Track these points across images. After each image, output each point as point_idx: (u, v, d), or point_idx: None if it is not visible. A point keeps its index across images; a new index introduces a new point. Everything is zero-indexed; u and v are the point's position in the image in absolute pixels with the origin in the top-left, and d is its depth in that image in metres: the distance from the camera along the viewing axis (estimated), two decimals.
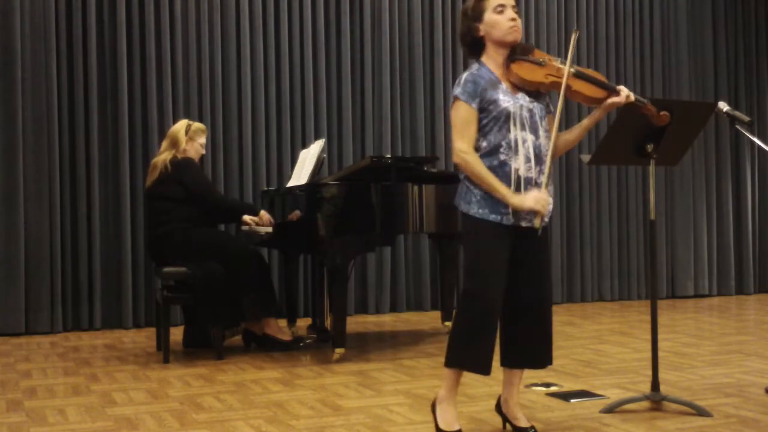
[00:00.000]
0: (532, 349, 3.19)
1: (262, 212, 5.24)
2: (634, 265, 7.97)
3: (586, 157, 3.89)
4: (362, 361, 4.88)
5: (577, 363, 4.74)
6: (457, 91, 3.08)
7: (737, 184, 8.38)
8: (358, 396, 3.99)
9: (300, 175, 5.48)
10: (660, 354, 3.99)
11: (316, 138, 6.53)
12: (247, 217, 5.32)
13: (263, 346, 5.24)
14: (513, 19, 3.08)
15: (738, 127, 3.98)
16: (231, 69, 6.63)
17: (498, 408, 3.31)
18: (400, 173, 4.90)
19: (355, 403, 3.84)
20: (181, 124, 5.26)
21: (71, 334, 6.05)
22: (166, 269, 4.97)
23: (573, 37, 3.23)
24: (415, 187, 4.87)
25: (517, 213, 3.05)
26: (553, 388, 4.07)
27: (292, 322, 5.90)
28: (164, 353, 4.84)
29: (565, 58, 3.12)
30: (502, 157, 3.04)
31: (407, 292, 7.15)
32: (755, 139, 4.18)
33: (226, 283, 4.95)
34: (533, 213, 3.03)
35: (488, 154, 3.05)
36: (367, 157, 5.43)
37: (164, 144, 5.27)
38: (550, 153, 3.08)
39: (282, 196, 5.48)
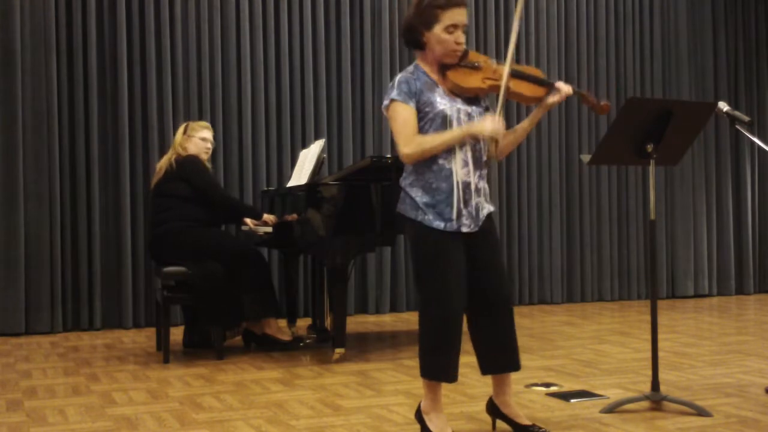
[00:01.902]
0: (504, 351, 3.16)
1: (266, 216, 5.25)
2: (634, 265, 7.97)
3: (586, 157, 3.88)
4: (362, 361, 4.88)
5: (577, 363, 4.74)
6: (393, 93, 3.02)
7: (737, 184, 8.38)
8: (358, 396, 3.99)
9: (300, 175, 5.48)
10: (660, 354, 3.99)
11: (316, 138, 6.53)
12: (249, 221, 5.35)
13: (263, 346, 5.24)
14: (459, 43, 3.03)
15: (738, 127, 3.98)
16: (231, 69, 6.64)
17: (490, 409, 3.30)
18: (399, 173, 4.89)
19: (355, 403, 3.84)
20: (180, 128, 5.33)
21: (71, 334, 6.05)
22: (166, 269, 4.97)
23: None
24: None
25: (459, 219, 3.02)
26: (553, 388, 4.06)
27: (292, 322, 5.90)
28: (164, 353, 4.84)
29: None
30: (441, 161, 3.02)
31: (407, 292, 7.15)
32: (755, 139, 4.18)
33: (226, 283, 4.95)
34: (472, 217, 3.01)
35: (426, 157, 3.02)
36: (367, 157, 5.43)
37: (170, 150, 5.34)
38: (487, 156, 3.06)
39: (282, 196, 5.48)
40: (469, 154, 3.05)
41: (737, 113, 3.97)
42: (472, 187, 3.06)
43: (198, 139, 5.26)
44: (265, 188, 6.46)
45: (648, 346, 4.68)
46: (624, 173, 7.96)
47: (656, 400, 3.63)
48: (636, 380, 4.25)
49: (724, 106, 3.99)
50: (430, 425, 3.09)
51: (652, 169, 3.68)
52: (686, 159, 7.91)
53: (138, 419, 3.57)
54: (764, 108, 8.47)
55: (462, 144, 3.03)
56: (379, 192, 4.82)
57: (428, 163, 3.03)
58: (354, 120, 7.03)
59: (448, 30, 3.01)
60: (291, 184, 5.61)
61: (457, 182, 3.03)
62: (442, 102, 3.03)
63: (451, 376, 3.06)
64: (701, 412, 3.52)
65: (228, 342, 5.17)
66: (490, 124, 2.98)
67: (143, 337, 5.86)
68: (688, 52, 8.17)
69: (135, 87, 6.37)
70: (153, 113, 6.37)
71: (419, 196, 3.05)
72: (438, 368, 3.04)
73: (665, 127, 3.59)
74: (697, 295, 8.16)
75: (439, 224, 3.03)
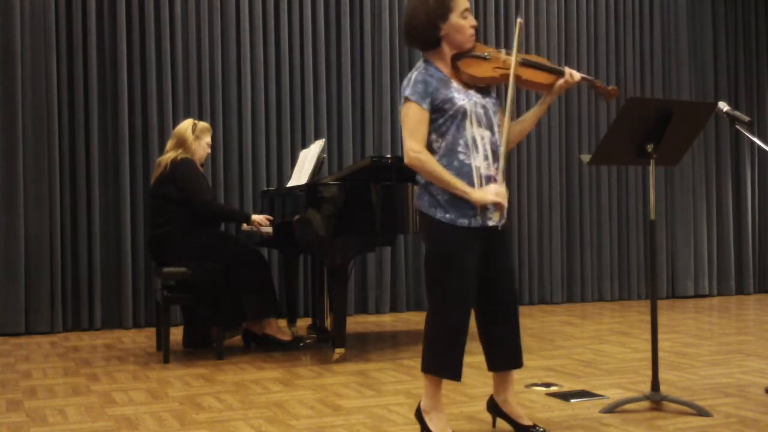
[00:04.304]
0: (511, 349, 3.19)
1: (254, 216, 5.22)
2: (634, 265, 7.97)
3: (586, 157, 3.88)
4: (362, 361, 4.88)
5: (577, 363, 4.74)
6: (408, 92, 3.04)
7: (737, 184, 8.38)
8: (358, 396, 3.99)
9: (300, 175, 5.48)
10: (660, 354, 3.99)
11: (316, 138, 6.53)
12: (245, 226, 5.35)
13: (263, 346, 5.24)
14: (474, 26, 3.08)
15: (738, 127, 3.98)
16: (231, 69, 6.63)
17: (492, 408, 3.31)
18: (400, 173, 4.90)
19: (355, 403, 3.84)
20: (186, 123, 5.25)
21: (71, 334, 6.04)
22: (166, 269, 4.97)
23: (517, 27, 3.20)
24: (415, 187, 4.86)
25: (484, 213, 3.03)
26: (553, 388, 4.07)
27: (292, 322, 5.90)
28: (164, 353, 4.84)
29: (511, 48, 3.13)
30: (461, 156, 3.02)
31: (407, 292, 7.15)
32: (755, 139, 4.18)
33: (226, 283, 4.95)
34: (494, 208, 3.03)
35: (446, 154, 3.03)
36: (367, 157, 5.43)
37: (170, 143, 5.24)
38: (503, 147, 3.07)
39: (282, 196, 5.48)
40: (489, 147, 3.06)
41: (737, 113, 3.97)
42: (492, 180, 3.05)
43: (205, 143, 5.27)
44: (265, 188, 6.46)
45: (648, 346, 4.68)
46: (624, 173, 7.96)
47: (656, 400, 3.63)
48: (636, 380, 4.25)
49: (724, 106, 3.99)
50: (431, 424, 3.09)
51: (652, 169, 3.68)
52: (686, 159, 7.91)
53: (138, 419, 3.57)
54: (764, 108, 8.47)
55: (482, 137, 3.04)
56: (379, 192, 4.82)
57: (449, 159, 3.03)
58: (354, 120, 7.03)
59: (463, 15, 3.06)
60: (291, 184, 5.61)
61: (480, 176, 3.03)
62: (459, 97, 3.03)
63: (458, 373, 3.07)
64: (701, 412, 3.52)
65: (228, 342, 5.17)
66: (492, 194, 3.00)
67: (143, 337, 5.86)
68: (688, 52, 8.17)
69: (135, 87, 6.37)
70: (153, 113, 6.37)
71: (440, 193, 3.03)
72: (448, 366, 3.05)
73: (665, 127, 3.59)
74: (697, 295, 8.16)
75: (464, 221, 3.02)
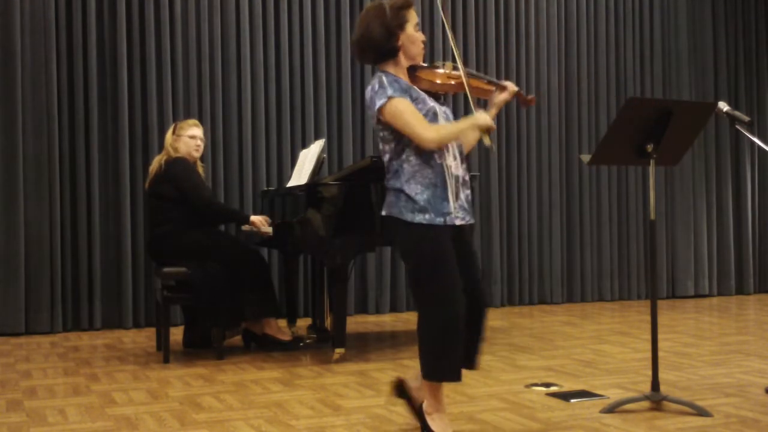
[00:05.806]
0: (473, 350, 3.17)
1: (253, 218, 5.21)
2: (634, 265, 7.97)
3: (586, 157, 3.88)
4: (362, 361, 4.88)
5: (577, 363, 4.74)
6: (389, 91, 3.03)
7: (737, 184, 8.38)
8: (358, 396, 3.99)
9: (300, 175, 5.48)
10: (660, 354, 3.99)
11: (316, 138, 6.53)
12: (245, 226, 5.34)
13: (263, 346, 5.24)
14: (423, 41, 3.16)
15: (738, 127, 3.99)
16: (231, 69, 6.63)
17: (401, 392, 3.29)
18: None
19: (355, 403, 3.84)
20: (169, 129, 5.30)
21: (71, 334, 6.04)
22: (166, 269, 4.97)
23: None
24: None
25: (456, 212, 3.05)
26: (553, 388, 4.07)
27: (292, 322, 5.90)
28: (164, 353, 4.84)
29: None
30: (436, 155, 3.05)
31: (407, 292, 7.14)
32: (755, 139, 4.18)
33: (226, 283, 4.95)
34: (464, 209, 3.07)
35: (423, 152, 3.03)
36: (367, 157, 5.43)
37: (162, 152, 5.31)
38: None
39: (282, 196, 5.48)
40: (456, 149, 3.12)
41: (737, 113, 3.97)
42: (461, 180, 3.11)
43: (187, 137, 5.21)
44: (265, 188, 6.46)
45: (648, 346, 4.68)
46: (624, 173, 7.96)
47: (656, 400, 3.63)
48: (636, 380, 4.25)
49: (724, 106, 3.99)
50: (433, 425, 3.09)
51: (652, 169, 3.68)
52: (686, 159, 7.91)
53: (138, 419, 3.57)
54: (764, 108, 8.47)
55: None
56: (379, 192, 4.82)
57: (426, 158, 3.04)
58: (354, 120, 7.03)
59: (416, 28, 3.14)
60: (291, 184, 5.61)
61: (451, 176, 3.07)
62: (429, 99, 3.11)
63: (459, 374, 3.06)
64: (701, 412, 3.52)
65: (228, 342, 5.17)
66: (486, 117, 3.08)
67: (143, 337, 5.86)
68: (688, 52, 8.17)
69: (135, 87, 6.37)
70: (153, 113, 6.36)
71: (419, 193, 3.03)
72: (447, 369, 3.04)
73: (665, 127, 3.59)
74: (697, 295, 8.16)
75: (440, 220, 3.03)
